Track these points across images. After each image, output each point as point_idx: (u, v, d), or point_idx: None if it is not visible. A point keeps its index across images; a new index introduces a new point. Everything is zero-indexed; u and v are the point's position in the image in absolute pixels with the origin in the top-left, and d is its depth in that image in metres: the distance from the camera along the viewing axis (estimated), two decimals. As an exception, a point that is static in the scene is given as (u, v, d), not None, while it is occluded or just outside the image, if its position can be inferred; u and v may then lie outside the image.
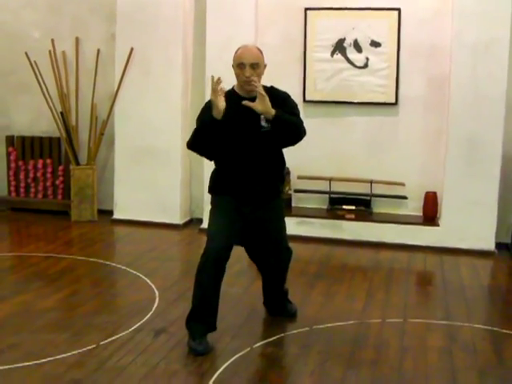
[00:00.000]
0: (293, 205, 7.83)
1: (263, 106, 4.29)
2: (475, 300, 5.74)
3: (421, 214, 7.56)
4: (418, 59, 7.52)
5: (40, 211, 8.46)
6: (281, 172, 4.75)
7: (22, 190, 8.63)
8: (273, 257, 4.82)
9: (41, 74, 8.19)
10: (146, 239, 7.48)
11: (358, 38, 7.59)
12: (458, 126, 7.11)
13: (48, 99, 8.19)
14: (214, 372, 4.15)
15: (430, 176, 7.54)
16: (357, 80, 7.65)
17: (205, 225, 6.87)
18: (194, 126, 4.54)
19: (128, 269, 6.27)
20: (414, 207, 7.64)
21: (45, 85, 8.19)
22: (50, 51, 8.25)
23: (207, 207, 4.76)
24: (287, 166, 7.34)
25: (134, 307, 5.28)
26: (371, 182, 7.61)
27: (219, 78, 4.27)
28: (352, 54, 7.63)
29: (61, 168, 8.47)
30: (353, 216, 7.54)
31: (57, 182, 8.50)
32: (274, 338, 4.73)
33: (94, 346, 4.50)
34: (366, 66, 7.62)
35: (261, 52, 4.53)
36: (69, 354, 4.37)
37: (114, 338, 4.64)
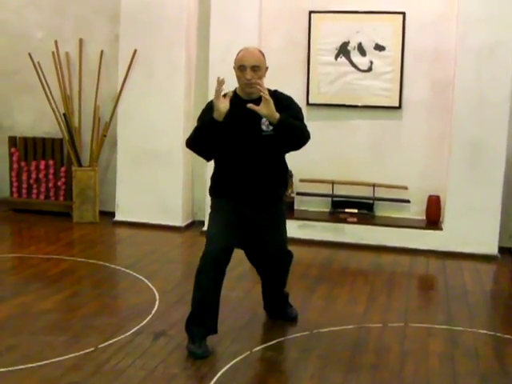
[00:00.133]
0: (295, 208, 7.80)
1: (268, 109, 4.27)
2: (477, 305, 5.71)
3: (423, 217, 7.53)
4: (422, 63, 7.50)
5: (42, 212, 8.44)
6: (283, 177, 4.71)
7: (24, 190, 8.62)
8: (273, 261, 4.78)
9: (44, 75, 8.18)
10: (148, 241, 7.46)
11: (362, 41, 7.57)
12: (461, 130, 7.08)
13: (51, 100, 8.18)
14: (213, 376, 4.12)
15: (433, 180, 7.51)
16: (361, 83, 7.63)
17: (206, 227, 6.84)
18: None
19: (129, 271, 6.24)
20: (416, 211, 7.61)
21: (48, 86, 8.18)
22: (53, 52, 8.24)
23: (209, 209, 4.73)
24: (290, 168, 7.43)
25: (134, 310, 5.25)
26: (374, 185, 7.59)
27: (222, 80, 4.24)
28: (356, 57, 7.61)
29: (63, 169, 8.46)
30: (355, 219, 7.51)
31: (59, 184, 8.49)
32: (274, 341, 4.70)
33: (93, 348, 4.47)
34: (369, 69, 7.60)
35: (262, 54, 4.50)
36: (67, 356, 4.34)
37: (112, 340, 4.61)
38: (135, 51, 7.81)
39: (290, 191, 7.62)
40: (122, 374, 4.13)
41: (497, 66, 6.94)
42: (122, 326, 4.89)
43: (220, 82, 4.25)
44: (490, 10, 6.90)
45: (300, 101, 7.48)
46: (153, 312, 5.18)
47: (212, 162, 4.70)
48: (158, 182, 7.92)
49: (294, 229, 7.31)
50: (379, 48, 7.54)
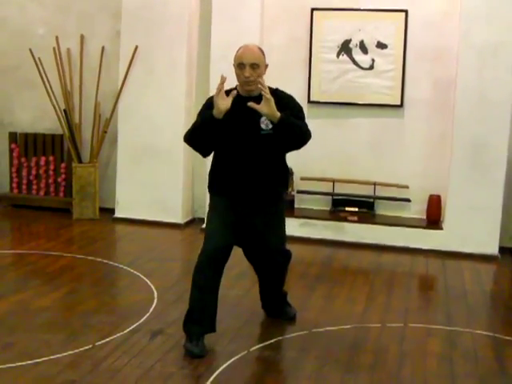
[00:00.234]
0: (295, 206, 7.78)
1: (268, 108, 4.24)
2: (477, 305, 5.68)
3: (424, 217, 7.50)
4: (425, 61, 7.47)
5: (42, 208, 8.43)
6: (282, 177, 4.66)
7: (24, 186, 8.60)
8: (270, 260, 4.75)
9: (45, 71, 8.16)
10: (147, 238, 7.45)
11: (364, 39, 7.55)
12: (463, 129, 7.05)
13: (52, 96, 8.15)
14: (210, 375, 4.11)
15: (434, 179, 7.48)
16: (362, 81, 7.60)
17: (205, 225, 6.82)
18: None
19: (128, 268, 6.23)
20: (417, 210, 7.58)
21: (48, 82, 8.16)
22: (54, 48, 8.21)
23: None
24: (290, 166, 7.40)
25: (132, 308, 5.24)
26: (375, 184, 7.57)
27: (225, 78, 4.23)
28: (358, 55, 7.58)
29: (63, 165, 8.44)
30: (355, 218, 7.48)
31: (59, 180, 8.47)
32: (272, 341, 4.68)
33: (90, 346, 4.46)
34: (371, 67, 7.57)
35: (262, 52, 4.47)
36: (64, 354, 4.33)
37: (110, 338, 4.60)
38: (136, 48, 7.79)
39: (290, 189, 7.60)
40: (118, 372, 4.11)
41: (499, 65, 6.90)
42: (120, 323, 4.87)
43: (222, 81, 4.23)
44: (493, 8, 6.86)
45: (301, 99, 7.52)
46: (151, 310, 5.17)
47: (211, 158, 4.68)
48: (158, 178, 7.90)
49: (294, 227, 7.29)
50: (381, 46, 7.51)
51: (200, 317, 4.42)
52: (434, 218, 7.42)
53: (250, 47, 4.44)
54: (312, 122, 7.46)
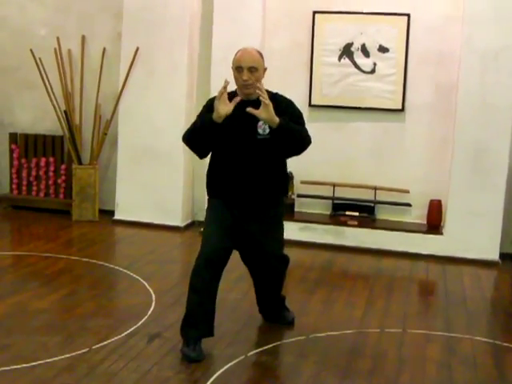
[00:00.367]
0: (295, 210, 7.76)
1: (267, 113, 4.21)
2: (477, 311, 5.65)
3: (425, 222, 7.47)
4: (426, 66, 7.45)
5: (41, 210, 8.40)
6: (281, 182, 4.62)
7: (24, 187, 8.58)
8: (266, 266, 4.71)
9: (45, 72, 8.14)
10: (147, 241, 7.42)
11: (366, 42, 7.52)
12: (464, 134, 7.02)
13: (52, 97, 8.13)
14: (206, 380, 4.08)
15: (435, 184, 7.45)
16: (364, 85, 7.58)
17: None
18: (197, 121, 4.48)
19: (126, 271, 6.20)
20: (417, 215, 7.55)
21: (49, 83, 8.14)
22: (55, 49, 8.20)
23: (208, 210, 4.70)
24: (290, 170, 7.39)
25: (130, 311, 5.21)
26: (375, 188, 7.54)
27: (228, 83, 4.21)
28: (359, 58, 7.56)
29: (63, 167, 8.41)
30: (356, 222, 7.45)
31: (59, 181, 8.44)
32: (270, 346, 4.65)
33: (87, 349, 4.44)
34: (373, 71, 7.55)
35: (261, 55, 4.44)
36: (60, 357, 4.30)
37: (107, 342, 4.58)
38: (137, 49, 7.77)
39: (290, 193, 7.58)
40: (114, 376, 4.09)
41: (501, 70, 6.88)
42: (117, 327, 4.84)
43: (225, 87, 4.21)
44: (496, 13, 6.83)
45: (302, 102, 7.56)
46: (148, 313, 5.14)
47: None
48: (158, 181, 7.87)
49: (294, 231, 7.28)
50: (383, 50, 7.49)
51: (197, 320, 4.39)
52: (434, 222, 7.39)
53: (248, 50, 4.41)
54: (313, 125, 7.46)
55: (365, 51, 7.53)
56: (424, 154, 7.53)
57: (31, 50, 8.15)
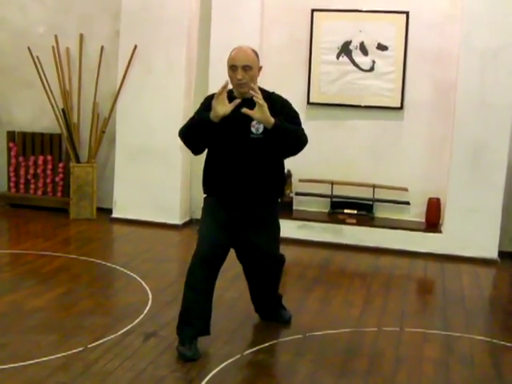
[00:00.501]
0: (294, 208, 7.73)
1: (262, 114, 4.18)
2: (475, 310, 5.63)
3: (423, 220, 7.45)
4: (425, 64, 7.42)
5: (39, 208, 8.39)
6: (275, 182, 4.57)
7: (21, 186, 8.56)
8: (262, 264, 4.68)
9: (43, 71, 8.12)
10: (144, 239, 7.41)
11: (364, 40, 7.50)
12: (463, 132, 7.00)
13: (50, 96, 8.11)
14: (202, 379, 4.06)
15: (434, 182, 7.43)
16: (362, 83, 7.56)
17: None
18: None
19: (123, 269, 6.18)
20: (416, 213, 7.53)
21: (47, 81, 8.12)
22: (53, 47, 8.17)
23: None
24: (289, 168, 7.38)
25: (126, 309, 5.19)
26: (374, 186, 7.52)
27: (226, 85, 4.20)
28: (358, 56, 7.54)
29: (61, 165, 8.40)
30: (354, 221, 7.43)
31: (57, 179, 8.43)
32: (266, 344, 4.63)
33: (82, 348, 4.41)
34: (371, 69, 7.52)
35: (256, 54, 4.41)
36: (55, 356, 4.28)
37: (102, 340, 4.55)
38: (135, 47, 7.74)
39: (288, 191, 7.56)
40: (109, 375, 4.06)
41: (501, 68, 6.85)
42: (113, 325, 4.82)
43: (223, 87, 4.19)
44: (495, 11, 6.81)
45: (301, 100, 7.57)
46: (145, 312, 5.12)
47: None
48: (156, 179, 7.85)
49: (292, 229, 7.27)
50: (382, 48, 7.46)
51: (192, 319, 4.37)
52: (433, 221, 7.37)
53: (243, 49, 4.39)
54: (311, 123, 7.52)
55: (363, 49, 7.51)
56: (423, 152, 7.51)
57: (29, 49, 8.14)
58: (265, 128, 4.27)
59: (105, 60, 8.19)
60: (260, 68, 4.43)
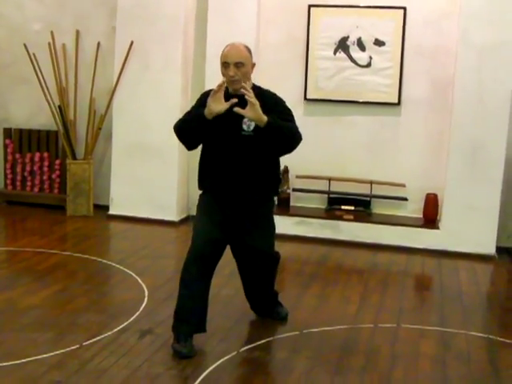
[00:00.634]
0: (291, 204, 7.72)
1: (254, 113, 4.15)
2: (472, 306, 5.60)
3: (421, 216, 7.45)
4: (423, 60, 7.41)
5: (36, 205, 8.37)
6: (269, 180, 4.54)
7: (18, 183, 8.54)
8: (256, 263, 4.65)
9: (39, 67, 8.09)
10: (141, 236, 7.39)
11: (361, 36, 7.49)
12: (461, 128, 6.98)
13: (46, 92, 8.09)
14: (198, 376, 4.03)
15: (431, 178, 7.42)
16: (359, 79, 7.54)
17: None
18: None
19: (120, 266, 6.16)
20: (414, 209, 7.52)
21: (43, 78, 8.09)
22: (49, 43, 8.14)
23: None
24: (286, 164, 7.37)
25: (122, 306, 5.17)
26: (371, 182, 7.50)
27: (222, 84, 4.18)
28: (355, 52, 7.52)
29: (58, 162, 8.37)
30: (351, 217, 7.41)
31: (53, 176, 8.40)
32: (262, 341, 4.60)
33: (77, 346, 4.39)
34: (369, 65, 7.51)
35: (249, 51, 4.38)
36: (50, 354, 4.25)
37: (98, 338, 4.53)
38: (132, 43, 7.71)
39: (285, 187, 7.55)
40: (104, 372, 4.04)
41: (498, 64, 6.83)
42: (109, 323, 4.80)
43: (220, 86, 4.18)
44: (493, 8, 6.79)
45: (298, 96, 7.57)
46: (141, 309, 5.10)
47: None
48: (152, 176, 7.83)
49: (289, 225, 7.27)
50: (379, 43, 7.45)
51: (187, 316, 4.35)
52: (430, 216, 7.36)
53: (235, 46, 4.36)
54: (308, 119, 7.52)
55: (361, 45, 7.49)
56: (420, 148, 7.49)
57: (25, 45, 8.10)
58: (256, 126, 4.24)
59: (101, 56, 8.17)
60: (253, 65, 4.40)
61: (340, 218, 7.41)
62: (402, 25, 7.37)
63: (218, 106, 4.19)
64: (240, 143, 4.35)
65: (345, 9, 7.50)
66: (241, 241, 4.56)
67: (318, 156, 7.63)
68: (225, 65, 4.30)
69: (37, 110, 8.46)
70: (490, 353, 4.67)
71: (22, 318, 4.84)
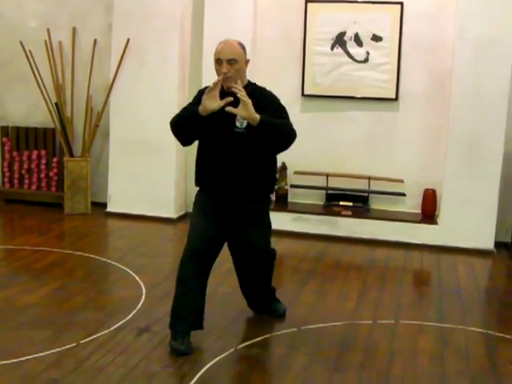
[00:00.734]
0: (289, 200, 7.69)
1: (246, 112, 4.13)
2: (471, 301, 5.59)
3: (419, 211, 7.43)
4: (420, 55, 7.39)
5: (33, 203, 8.35)
6: (264, 178, 4.52)
7: (15, 181, 8.52)
8: (250, 260, 4.63)
9: (36, 65, 8.06)
10: (139, 233, 7.38)
11: (358, 31, 7.46)
12: (458, 123, 6.96)
13: (43, 90, 8.06)
14: (195, 374, 4.02)
15: (430, 173, 7.40)
16: (357, 74, 7.51)
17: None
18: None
19: (117, 264, 6.15)
20: (412, 204, 7.51)
21: (40, 76, 8.06)
22: (45, 41, 8.12)
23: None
24: (284, 160, 7.35)
25: (120, 304, 5.17)
26: (369, 178, 7.48)
27: (218, 82, 4.17)
28: (352, 48, 7.49)
29: (55, 160, 8.35)
30: (349, 212, 7.40)
31: (51, 174, 8.38)
32: (260, 338, 4.60)
33: (74, 344, 4.38)
34: (366, 60, 7.48)
35: (242, 47, 4.37)
36: (47, 352, 4.25)
37: (95, 336, 4.52)
38: (128, 40, 7.69)
39: (283, 184, 7.54)
40: (101, 371, 4.03)
41: (495, 59, 6.81)
42: (106, 321, 4.79)
43: (215, 84, 4.16)
44: (489, 2, 6.77)
45: (295, 92, 7.56)
46: (138, 307, 5.09)
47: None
48: (150, 173, 7.81)
49: (287, 222, 7.26)
50: (376, 39, 7.42)
51: (184, 313, 4.34)
52: (429, 212, 7.34)
53: (229, 42, 4.35)
54: (306, 115, 7.51)
55: (358, 40, 7.46)
56: (418, 143, 7.47)
57: (21, 43, 8.08)
58: (248, 123, 4.22)
59: (98, 53, 8.14)
60: (247, 61, 4.39)
61: (338, 214, 7.40)
62: (399, 20, 7.34)
63: (212, 103, 4.17)
64: (233, 140, 4.33)
65: (342, 4, 7.49)
66: (236, 238, 4.55)
67: (316, 152, 7.60)
68: (218, 61, 4.30)
69: (34, 108, 8.43)
70: (488, 348, 4.67)
71: (19, 317, 4.83)
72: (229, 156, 4.37)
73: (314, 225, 7.36)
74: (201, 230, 4.38)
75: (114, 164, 7.99)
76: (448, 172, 7.07)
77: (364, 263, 6.60)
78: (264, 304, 4.97)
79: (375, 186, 7.52)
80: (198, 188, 4.64)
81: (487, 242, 6.99)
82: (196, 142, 4.59)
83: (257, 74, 7.09)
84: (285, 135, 4.30)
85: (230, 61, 4.26)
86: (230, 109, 4.13)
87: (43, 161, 8.39)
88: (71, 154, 8.08)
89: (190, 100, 4.67)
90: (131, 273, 5.89)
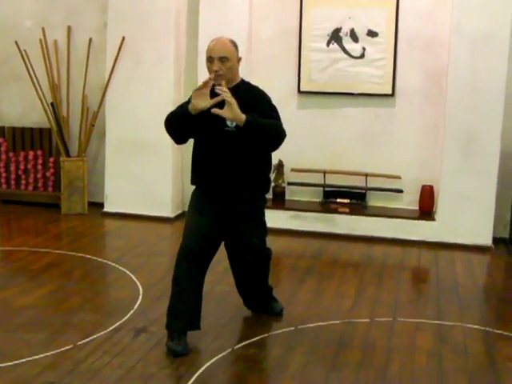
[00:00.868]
0: (286, 198, 7.68)
1: (231, 113, 4.11)
2: (469, 298, 5.57)
3: (417, 207, 7.41)
4: (416, 50, 7.37)
5: (30, 204, 8.32)
6: (258, 176, 4.50)
7: (12, 181, 8.49)
8: (245, 259, 4.62)
9: (31, 64, 8.04)
10: (136, 233, 7.36)
11: (354, 27, 7.43)
12: (455, 119, 6.94)
13: (39, 90, 8.04)
14: (192, 375, 4.01)
15: (427, 169, 7.38)
16: (353, 70, 7.49)
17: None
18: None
19: (115, 264, 6.13)
20: (409, 201, 7.48)
21: (35, 75, 8.04)
22: (40, 40, 8.09)
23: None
24: (281, 158, 7.33)
25: (116, 305, 5.16)
26: (366, 175, 7.46)
27: (208, 81, 4.15)
28: (348, 43, 7.47)
29: (51, 160, 8.33)
30: (347, 210, 7.38)
31: (47, 174, 8.36)
32: (257, 338, 4.58)
33: (71, 346, 4.36)
34: (362, 56, 7.46)
35: (234, 45, 4.35)
36: (44, 354, 4.23)
37: (91, 337, 4.50)
38: (123, 39, 7.66)
39: (280, 181, 7.52)
40: (98, 373, 4.01)
41: (491, 55, 6.79)
42: (103, 322, 4.77)
43: (205, 83, 4.14)
44: (485, -2, 6.76)
45: (291, 88, 7.54)
46: (135, 307, 5.07)
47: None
48: (147, 172, 7.79)
49: (284, 219, 7.24)
50: (372, 34, 7.40)
51: (180, 313, 4.32)
52: (426, 208, 7.33)
53: (220, 40, 4.34)
54: (302, 112, 7.49)
55: (353, 36, 7.44)
56: (415, 139, 7.45)
57: (16, 42, 8.05)
58: (238, 125, 4.20)
59: (93, 52, 8.11)
60: (239, 59, 4.38)
61: (335, 211, 7.37)
62: (394, 15, 7.31)
63: (201, 102, 4.15)
64: (224, 139, 4.32)
65: (337, 0, 7.45)
66: (231, 237, 4.54)
67: (313, 149, 7.59)
68: (209, 59, 4.29)
69: (29, 108, 8.40)
70: (486, 345, 4.66)
71: (15, 319, 4.81)
72: (221, 154, 4.36)
73: (312, 222, 7.34)
74: (195, 228, 4.38)
75: (110, 164, 7.96)
76: (445, 168, 7.05)
77: (361, 260, 6.58)
78: (261, 303, 4.96)
79: (372, 182, 7.49)
80: (194, 186, 4.63)
81: (485, 238, 6.98)
82: (191, 141, 4.57)
83: (253, 71, 7.10)
84: (273, 135, 4.26)
85: (222, 59, 4.24)
86: (215, 110, 4.12)
87: (39, 161, 8.36)
88: (67, 154, 8.06)
89: (186, 99, 4.65)
90: (128, 273, 5.87)
